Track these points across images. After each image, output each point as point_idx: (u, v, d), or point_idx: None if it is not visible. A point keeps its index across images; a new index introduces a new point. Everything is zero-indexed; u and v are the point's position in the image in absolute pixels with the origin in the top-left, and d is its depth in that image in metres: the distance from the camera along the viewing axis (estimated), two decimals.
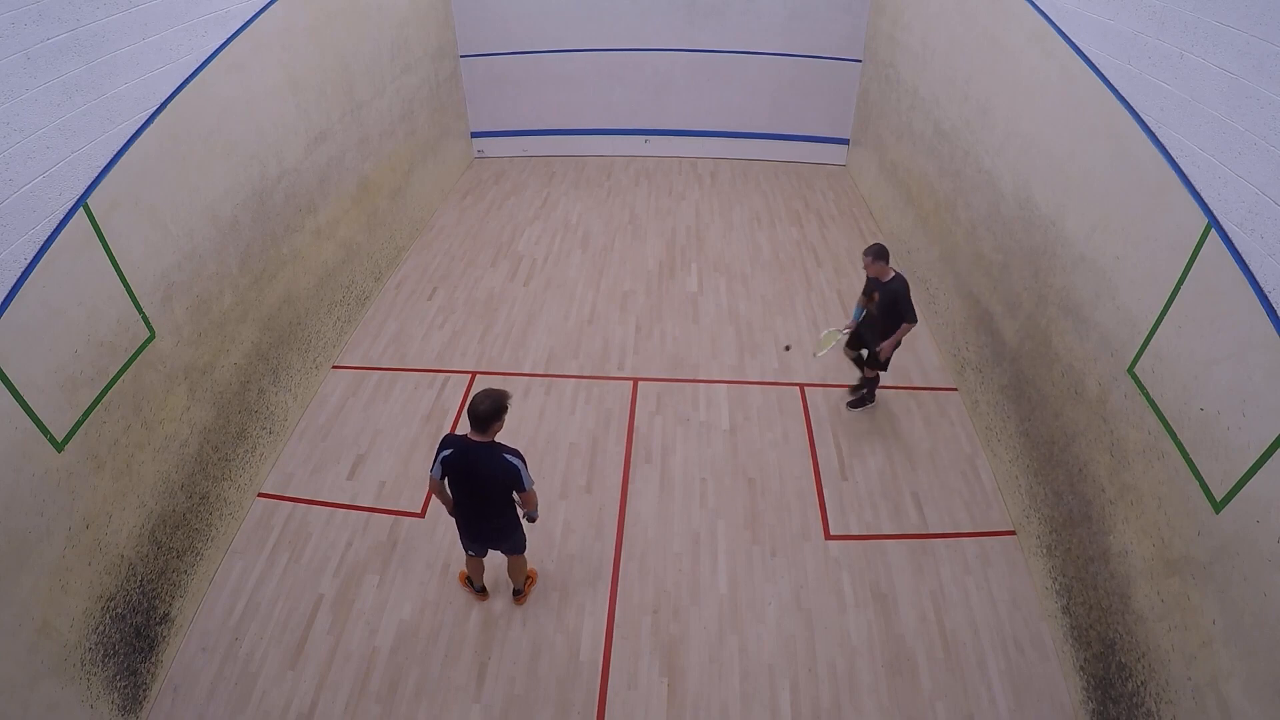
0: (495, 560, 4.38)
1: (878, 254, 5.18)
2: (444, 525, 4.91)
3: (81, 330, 3.61)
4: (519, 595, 4.42)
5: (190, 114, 4.43)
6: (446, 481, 3.73)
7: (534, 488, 3.73)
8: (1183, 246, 3.44)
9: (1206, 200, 3.31)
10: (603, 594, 4.50)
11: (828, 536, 4.86)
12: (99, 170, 3.71)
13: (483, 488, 3.68)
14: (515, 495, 3.75)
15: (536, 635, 4.27)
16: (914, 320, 5.22)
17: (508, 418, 3.67)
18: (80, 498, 3.58)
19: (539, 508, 3.93)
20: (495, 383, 6.14)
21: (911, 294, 5.18)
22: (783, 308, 7.12)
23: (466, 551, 4.14)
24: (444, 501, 3.89)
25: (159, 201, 4.19)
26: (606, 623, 4.35)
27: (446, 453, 3.63)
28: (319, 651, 4.19)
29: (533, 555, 4.72)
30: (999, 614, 4.38)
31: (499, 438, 3.66)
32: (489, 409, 3.51)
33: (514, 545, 4.10)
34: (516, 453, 3.63)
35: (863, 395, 5.88)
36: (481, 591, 4.42)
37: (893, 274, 5.20)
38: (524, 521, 4.01)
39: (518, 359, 6.45)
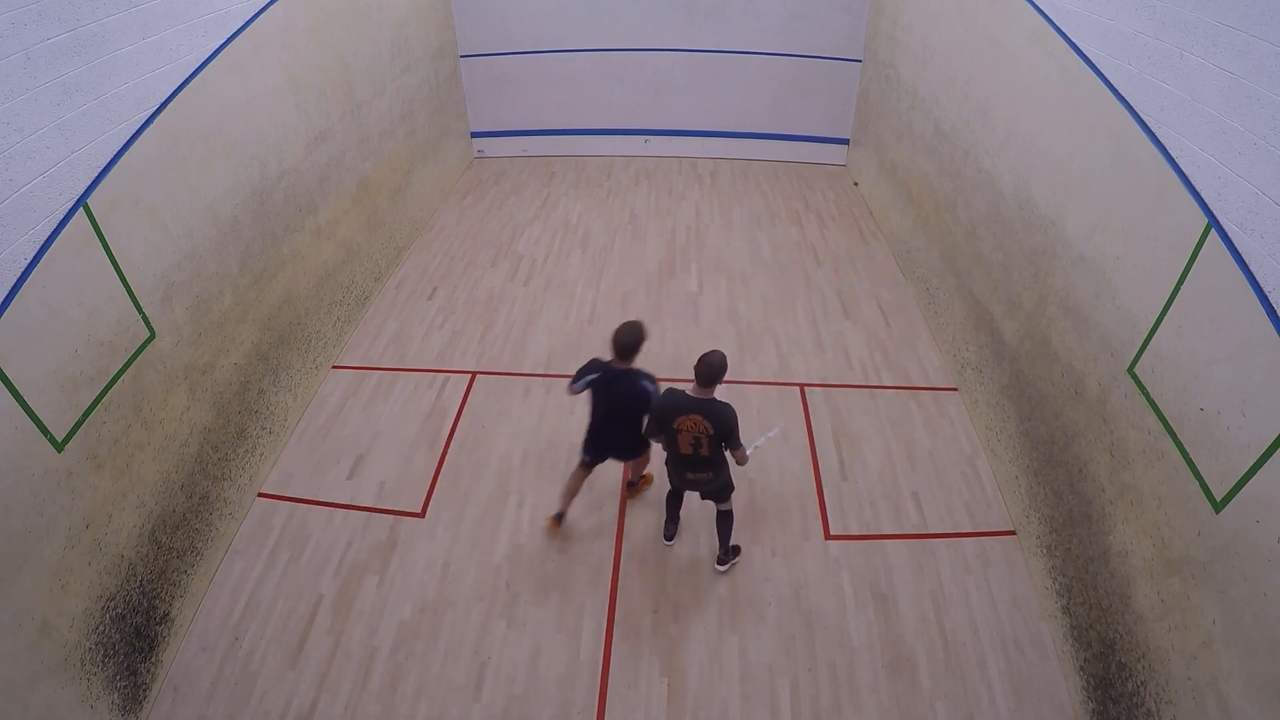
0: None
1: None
2: (444, 525, 4.92)
3: (81, 330, 3.61)
4: (633, 488, 5.09)
5: (190, 114, 4.43)
6: (589, 395, 4.32)
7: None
8: (1183, 246, 3.44)
9: (1206, 200, 3.31)
10: (603, 594, 4.50)
11: (828, 536, 4.86)
12: (99, 170, 3.71)
13: (620, 407, 4.28)
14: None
15: (536, 635, 4.27)
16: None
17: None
18: (80, 498, 3.58)
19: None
20: (495, 383, 6.15)
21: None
22: (783, 308, 7.12)
23: (582, 459, 4.64)
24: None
25: (159, 201, 4.19)
26: (606, 623, 4.35)
27: (593, 376, 4.26)
28: (319, 651, 4.19)
29: (536, 553, 4.73)
30: (999, 614, 4.38)
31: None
32: (631, 340, 4.12)
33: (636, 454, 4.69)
34: (650, 378, 4.25)
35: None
36: (559, 519, 4.76)
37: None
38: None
39: (518, 359, 6.45)
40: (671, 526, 4.77)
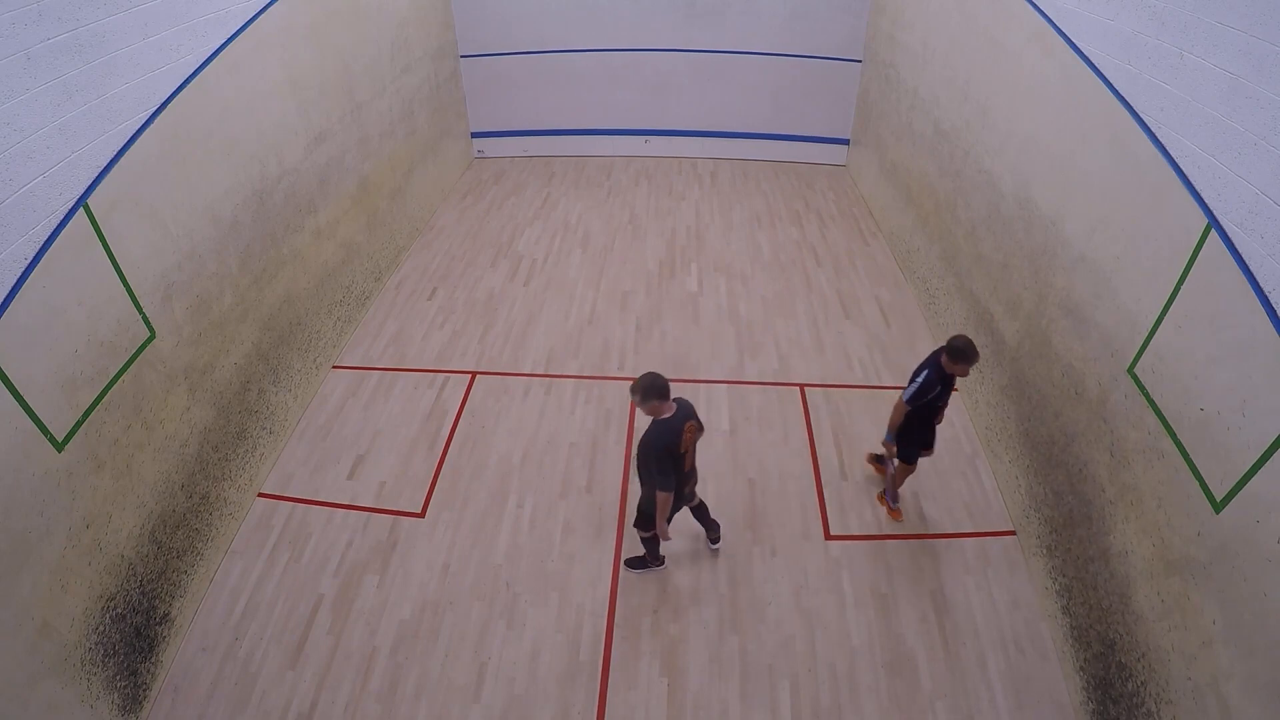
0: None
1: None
2: (444, 525, 4.92)
3: (81, 330, 3.62)
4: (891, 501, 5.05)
5: (190, 114, 4.43)
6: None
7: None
8: (1183, 246, 3.44)
9: (1206, 200, 3.31)
10: (603, 594, 4.50)
11: (828, 536, 4.86)
12: (99, 170, 3.71)
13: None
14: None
15: (536, 635, 4.27)
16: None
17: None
18: (80, 498, 3.58)
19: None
20: (495, 383, 6.15)
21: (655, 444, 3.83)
22: (783, 308, 7.12)
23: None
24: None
25: (159, 201, 4.20)
26: (606, 623, 4.34)
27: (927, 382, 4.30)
28: (319, 651, 4.19)
29: (534, 554, 4.73)
30: (999, 614, 4.38)
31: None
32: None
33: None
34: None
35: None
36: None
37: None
38: None
39: (518, 359, 6.45)
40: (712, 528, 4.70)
